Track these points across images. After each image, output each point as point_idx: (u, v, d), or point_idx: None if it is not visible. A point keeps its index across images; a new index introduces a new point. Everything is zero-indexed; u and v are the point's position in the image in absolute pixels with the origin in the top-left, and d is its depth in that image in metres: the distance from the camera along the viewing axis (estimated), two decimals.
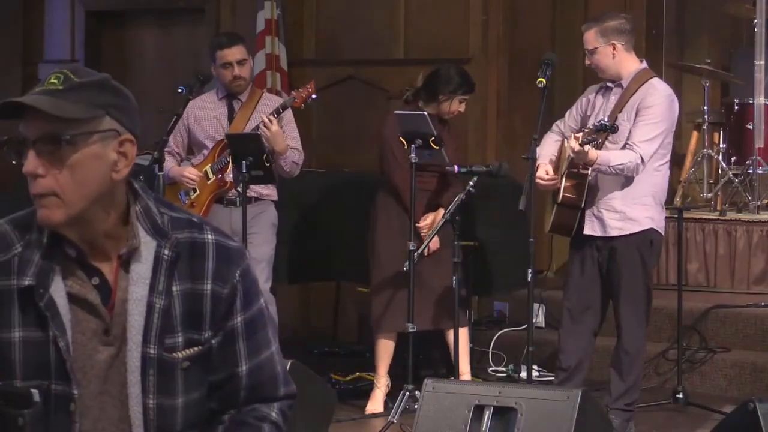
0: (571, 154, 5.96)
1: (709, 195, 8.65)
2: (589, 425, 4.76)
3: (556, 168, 6.29)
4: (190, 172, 6.77)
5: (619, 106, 6.14)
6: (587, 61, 6.24)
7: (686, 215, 7.81)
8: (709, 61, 8.75)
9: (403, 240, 6.53)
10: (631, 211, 6.11)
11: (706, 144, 8.67)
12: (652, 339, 7.68)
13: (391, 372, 7.11)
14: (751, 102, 8.48)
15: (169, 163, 6.78)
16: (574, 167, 6.10)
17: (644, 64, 6.29)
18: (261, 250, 6.74)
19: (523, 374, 7.03)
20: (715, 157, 8.63)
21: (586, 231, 6.15)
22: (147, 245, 2.39)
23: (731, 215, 8.32)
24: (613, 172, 6.02)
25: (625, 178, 6.08)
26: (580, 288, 6.22)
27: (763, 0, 8.48)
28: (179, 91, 6.55)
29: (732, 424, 4.74)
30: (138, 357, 2.36)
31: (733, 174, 8.45)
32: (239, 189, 6.64)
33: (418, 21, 9.66)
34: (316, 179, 8.03)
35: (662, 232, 6.29)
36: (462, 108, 6.94)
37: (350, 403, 6.92)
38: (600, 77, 6.29)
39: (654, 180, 6.16)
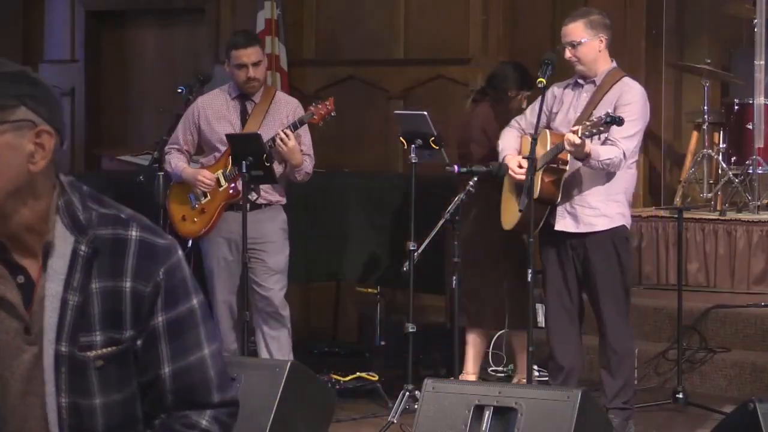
0: (568, 148, 5.95)
1: (709, 195, 8.65)
2: (589, 425, 4.76)
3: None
4: (205, 176, 6.65)
5: (594, 103, 6.17)
6: (568, 54, 6.22)
7: (686, 215, 7.80)
8: (709, 61, 8.75)
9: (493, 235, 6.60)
10: (605, 207, 6.17)
11: (706, 144, 8.67)
12: (652, 339, 7.69)
13: (392, 372, 7.13)
14: (751, 102, 8.47)
15: (179, 160, 6.71)
16: (554, 162, 6.11)
17: (615, 63, 6.32)
18: (276, 260, 6.72)
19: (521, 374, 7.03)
20: (715, 157, 8.62)
21: (558, 227, 6.17)
22: (65, 240, 2.34)
23: (731, 215, 8.31)
24: (600, 167, 6.05)
25: (602, 175, 6.12)
26: (562, 288, 6.26)
27: (763, 0, 8.48)
28: (179, 91, 6.52)
29: (732, 424, 4.74)
30: (51, 354, 2.31)
31: (733, 174, 8.45)
32: (250, 196, 6.60)
33: (418, 21, 9.66)
34: (316, 179, 8.01)
35: (629, 229, 6.36)
36: (525, 104, 7.01)
37: (350, 403, 6.92)
38: (575, 72, 6.28)
39: (626, 177, 6.22)
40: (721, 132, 8.70)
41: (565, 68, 6.40)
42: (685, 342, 7.26)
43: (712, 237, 8.22)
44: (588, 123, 5.94)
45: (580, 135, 5.89)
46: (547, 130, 6.20)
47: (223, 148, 6.70)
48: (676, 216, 7.33)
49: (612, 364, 6.19)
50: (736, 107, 8.59)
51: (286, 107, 6.80)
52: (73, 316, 2.32)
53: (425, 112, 6.77)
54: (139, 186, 6.21)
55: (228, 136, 6.65)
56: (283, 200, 6.81)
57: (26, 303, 2.34)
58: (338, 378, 7.30)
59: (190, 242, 6.79)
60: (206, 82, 6.76)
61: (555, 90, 6.38)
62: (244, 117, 6.77)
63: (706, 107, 8.64)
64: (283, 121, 6.71)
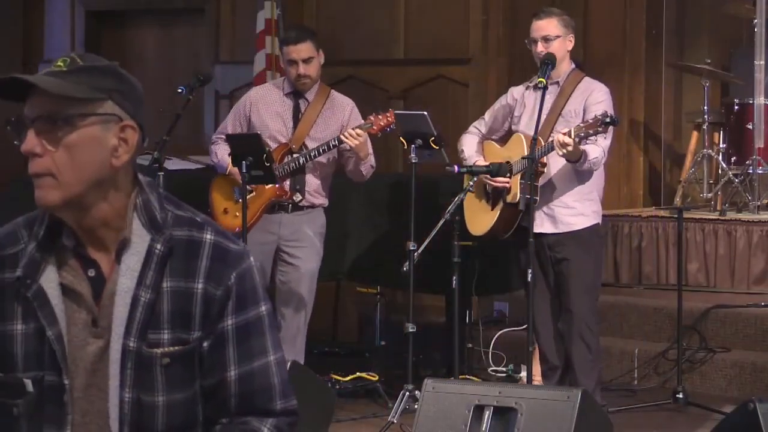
0: (561, 151, 5.96)
1: (709, 195, 8.65)
2: (589, 425, 4.75)
3: None
4: None
5: (561, 102, 6.20)
6: (540, 48, 6.24)
7: (686, 215, 7.80)
8: (709, 61, 8.75)
9: None
10: (581, 206, 6.26)
11: (706, 144, 8.67)
12: (652, 339, 7.70)
13: (392, 372, 7.13)
14: (751, 102, 8.47)
15: (225, 152, 6.57)
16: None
17: (574, 65, 6.37)
18: (310, 266, 6.68)
19: (523, 374, 7.03)
20: (715, 157, 8.62)
21: (538, 230, 6.20)
22: (141, 238, 2.37)
23: (731, 215, 8.31)
24: (588, 167, 6.12)
25: (577, 175, 6.17)
26: (545, 289, 6.33)
27: (763, 0, 8.48)
28: (179, 91, 6.50)
29: (732, 424, 4.73)
30: (118, 349, 2.34)
31: (733, 174, 8.44)
32: (295, 198, 6.59)
33: (418, 21, 9.66)
34: None
35: (601, 225, 6.50)
36: None
37: (350, 403, 6.92)
38: (538, 70, 6.28)
39: (598, 175, 6.31)
40: (721, 132, 8.70)
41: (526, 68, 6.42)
42: (685, 342, 7.26)
43: (712, 237, 8.22)
44: (582, 125, 5.97)
45: (573, 137, 5.91)
46: (521, 134, 6.23)
47: (273, 145, 6.60)
48: (676, 216, 7.33)
49: (586, 362, 6.23)
50: (736, 107, 8.58)
51: (342, 109, 6.71)
52: (144, 313, 2.35)
53: (425, 112, 6.77)
54: None
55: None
56: (326, 203, 6.76)
57: (95, 297, 2.37)
58: (338, 378, 7.30)
59: None
60: (206, 82, 6.74)
61: (515, 92, 6.41)
62: (296, 115, 6.69)
63: (706, 107, 8.63)
64: (337, 123, 6.64)
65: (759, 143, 8.38)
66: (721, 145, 8.65)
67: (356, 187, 7.20)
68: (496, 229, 6.35)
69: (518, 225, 6.24)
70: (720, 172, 8.60)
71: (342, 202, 7.68)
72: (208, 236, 2.41)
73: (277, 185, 6.57)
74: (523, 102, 6.34)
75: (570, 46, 6.29)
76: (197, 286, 2.37)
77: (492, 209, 6.39)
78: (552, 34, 6.23)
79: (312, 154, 6.56)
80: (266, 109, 6.69)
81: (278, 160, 6.59)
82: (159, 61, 10.86)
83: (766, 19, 8.48)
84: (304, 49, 6.63)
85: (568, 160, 6.07)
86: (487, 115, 6.53)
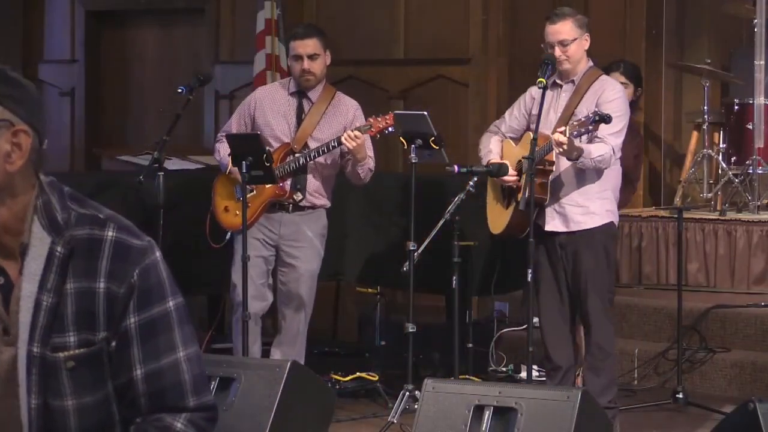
0: (557, 149, 5.96)
1: (709, 195, 8.65)
2: (589, 425, 4.75)
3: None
4: None
5: (575, 101, 6.19)
6: (558, 53, 6.22)
7: (686, 215, 7.80)
8: (709, 61, 8.75)
9: None
10: (593, 204, 6.20)
11: (706, 144, 8.67)
12: (652, 339, 7.69)
13: (392, 372, 7.12)
14: (751, 102, 8.47)
15: (227, 151, 6.55)
16: (541, 164, 6.13)
17: (591, 63, 6.34)
18: (309, 267, 6.67)
19: (523, 374, 7.03)
20: (715, 157, 8.62)
21: (548, 228, 6.18)
22: (42, 241, 2.33)
23: (731, 215, 8.31)
24: (592, 165, 6.07)
25: (589, 174, 6.13)
26: (554, 288, 6.27)
27: (763, 0, 8.48)
28: (179, 91, 6.50)
29: (732, 424, 4.74)
30: (24, 355, 2.31)
31: (733, 174, 8.45)
32: (295, 197, 6.58)
33: (418, 21, 9.66)
34: None
35: (617, 226, 6.40)
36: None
37: (350, 403, 6.92)
38: (558, 70, 6.27)
39: (612, 174, 6.24)
40: (721, 132, 8.70)
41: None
42: (685, 342, 7.26)
43: (712, 237, 8.22)
44: (575, 122, 5.96)
45: (568, 135, 5.91)
46: (530, 133, 6.22)
47: (275, 144, 6.60)
48: (676, 216, 7.33)
49: (598, 362, 6.20)
50: (736, 107, 8.59)
51: (345, 111, 6.70)
52: (46, 317, 2.31)
53: (425, 112, 6.77)
54: (139, 186, 6.21)
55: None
56: (328, 204, 6.74)
57: (6, 304, 2.33)
58: (338, 378, 7.30)
59: (229, 234, 6.69)
60: (206, 82, 6.74)
61: (533, 92, 6.40)
62: (300, 115, 6.67)
63: (706, 107, 8.63)
64: (340, 125, 6.62)
65: (759, 143, 8.38)
66: (721, 145, 8.65)
67: (356, 187, 7.21)
68: (511, 227, 6.32)
69: (535, 223, 6.21)
70: (720, 172, 8.60)
71: (342, 201, 7.68)
72: (110, 233, 2.36)
73: (277, 186, 6.56)
74: (539, 100, 6.32)
75: (586, 45, 6.25)
76: (99, 285, 2.33)
77: (506, 208, 6.38)
78: (569, 37, 6.19)
79: (312, 155, 6.56)
80: (271, 109, 6.68)
81: (279, 160, 6.58)
82: (159, 61, 10.86)
83: (766, 19, 8.48)
84: (310, 45, 6.61)
85: (567, 158, 6.06)
86: (507, 115, 6.53)
